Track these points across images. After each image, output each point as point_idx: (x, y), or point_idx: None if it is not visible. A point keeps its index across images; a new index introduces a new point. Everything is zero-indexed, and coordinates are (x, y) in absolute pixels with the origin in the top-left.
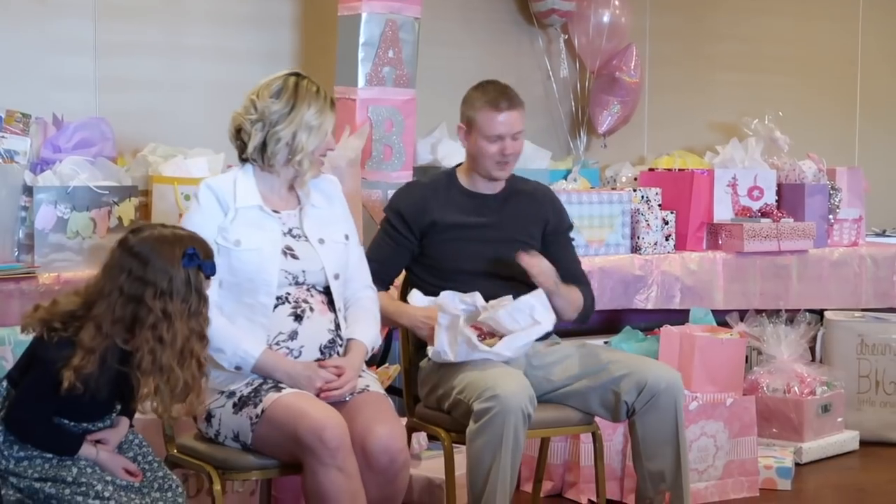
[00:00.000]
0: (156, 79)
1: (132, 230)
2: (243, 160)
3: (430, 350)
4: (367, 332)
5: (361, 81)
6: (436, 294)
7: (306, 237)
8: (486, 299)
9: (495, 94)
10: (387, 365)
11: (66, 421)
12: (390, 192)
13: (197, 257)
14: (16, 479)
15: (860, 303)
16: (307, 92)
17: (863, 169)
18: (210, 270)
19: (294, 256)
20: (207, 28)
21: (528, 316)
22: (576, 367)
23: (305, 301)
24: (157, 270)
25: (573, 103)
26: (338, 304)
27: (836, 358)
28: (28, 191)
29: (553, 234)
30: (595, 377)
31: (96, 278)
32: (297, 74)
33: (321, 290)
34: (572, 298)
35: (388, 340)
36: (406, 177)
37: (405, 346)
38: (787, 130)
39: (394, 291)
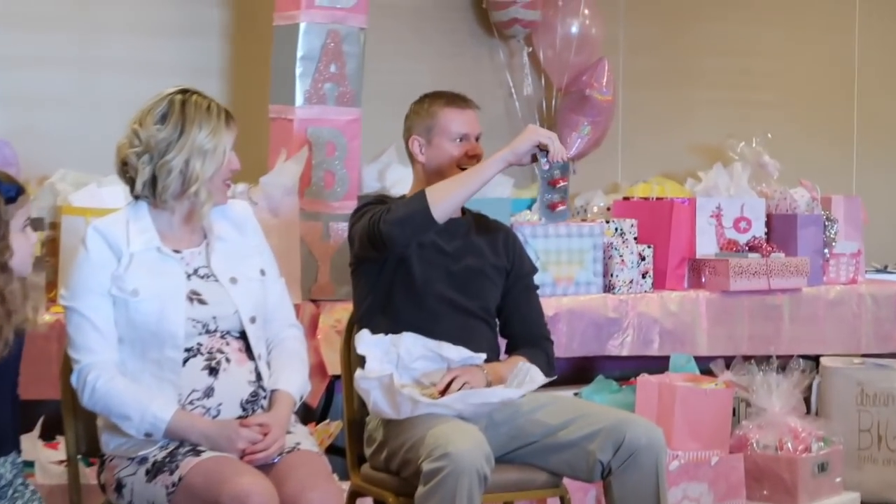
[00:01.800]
0: (66, 96)
1: None
2: (135, 197)
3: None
4: (293, 380)
5: (299, 99)
6: (389, 332)
7: (215, 277)
8: (449, 334)
9: (450, 95)
10: (328, 421)
11: None
12: (332, 225)
13: None
14: None
15: (860, 347)
16: (197, 111)
17: (861, 198)
18: (7, 192)
19: (202, 301)
20: (125, 39)
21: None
22: (543, 421)
23: (220, 351)
24: None
25: (538, 124)
26: (256, 350)
27: (834, 410)
28: None
29: (514, 280)
30: (565, 433)
31: None
32: (183, 91)
33: (237, 336)
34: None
35: (328, 393)
36: (350, 206)
37: (348, 398)
38: (777, 154)
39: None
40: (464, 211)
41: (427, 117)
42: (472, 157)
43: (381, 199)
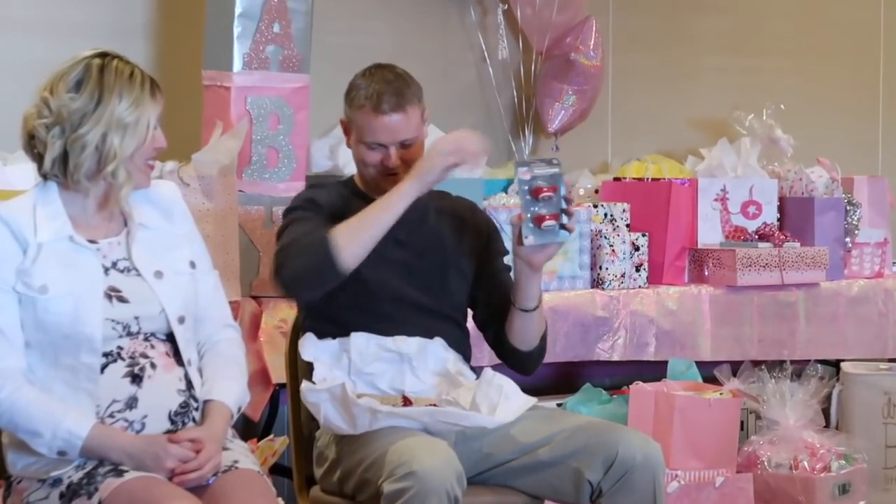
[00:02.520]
0: None
1: None
2: (43, 176)
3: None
4: (229, 389)
5: (237, 64)
6: (338, 336)
7: (137, 271)
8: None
9: (379, 87)
10: (271, 436)
11: None
12: (277, 210)
13: None
14: None
15: (886, 351)
16: (117, 78)
17: (888, 179)
18: None
19: (122, 299)
20: None
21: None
22: (522, 436)
23: (144, 356)
24: None
25: (515, 93)
26: (186, 354)
27: (857, 423)
28: None
29: (489, 263)
30: (548, 449)
31: None
32: (102, 55)
33: (163, 338)
34: (542, 317)
35: (272, 403)
36: (297, 188)
37: (295, 409)
38: (792, 129)
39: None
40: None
41: (350, 105)
42: (387, 169)
43: (315, 198)
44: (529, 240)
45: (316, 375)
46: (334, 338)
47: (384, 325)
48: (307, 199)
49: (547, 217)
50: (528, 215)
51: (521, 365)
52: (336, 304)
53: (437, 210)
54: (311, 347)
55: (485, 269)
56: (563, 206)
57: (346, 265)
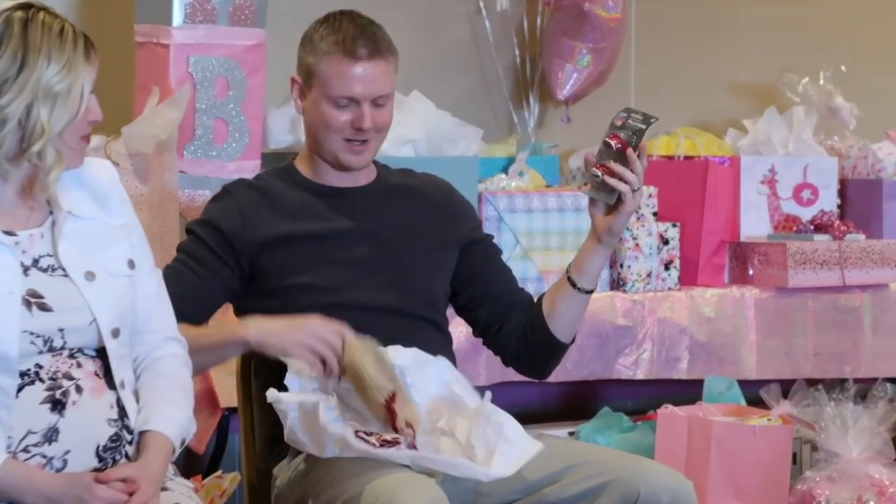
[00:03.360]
0: None
1: None
2: None
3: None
4: (171, 418)
5: (178, 17)
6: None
7: (64, 271)
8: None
9: (352, 31)
10: (219, 473)
11: None
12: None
13: None
14: None
15: None
16: (45, 35)
17: None
18: None
19: (44, 307)
20: None
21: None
22: (528, 472)
23: (68, 377)
24: None
25: (518, 52)
26: (119, 376)
27: None
28: None
29: (471, 245)
30: (557, 488)
31: None
32: (25, 6)
33: (93, 354)
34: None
35: (221, 433)
36: (251, 168)
37: (248, 440)
38: (855, 96)
39: None
40: (377, 166)
41: (310, 54)
42: (359, 130)
43: (205, 230)
44: (587, 188)
45: (289, 378)
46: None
47: (347, 321)
48: (202, 223)
49: (606, 171)
50: (596, 161)
51: (549, 361)
52: (286, 299)
53: (399, 190)
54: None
55: (470, 264)
56: (619, 163)
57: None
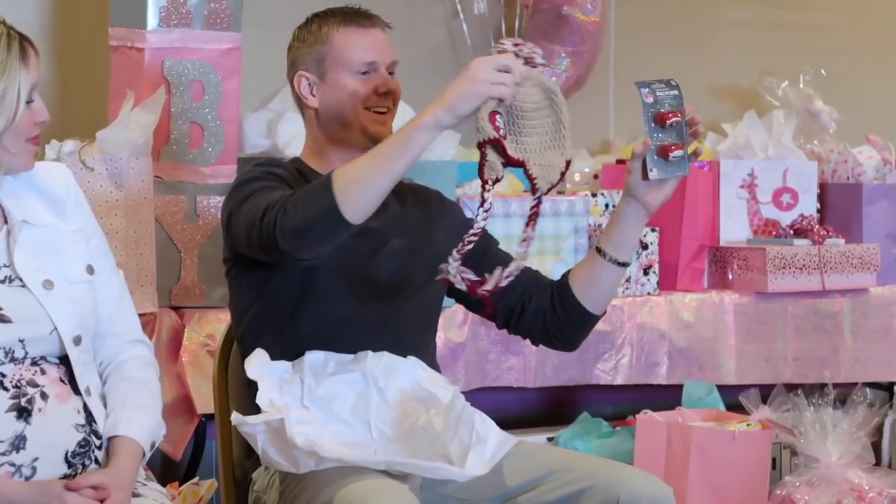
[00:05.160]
0: None
1: None
2: None
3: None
4: (139, 422)
5: (152, 20)
6: (292, 355)
7: (21, 281)
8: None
9: (347, 10)
10: (196, 479)
11: None
12: (202, 200)
13: None
14: None
15: None
16: None
17: None
18: None
19: (2, 319)
20: None
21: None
22: (504, 478)
23: (33, 384)
24: None
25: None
26: (84, 382)
27: None
28: None
29: (484, 250)
30: (537, 494)
31: None
32: None
33: (56, 361)
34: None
35: (198, 439)
36: (227, 173)
37: (225, 446)
38: (835, 99)
39: None
40: None
41: (317, 44)
42: (384, 96)
43: (274, 171)
44: (654, 173)
45: (260, 398)
46: (289, 360)
47: (338, 332)
48: (267, 172)
49: (674, 147)
50: (654, 145)
51: (580, 333)
52: (288, 309)
53: (400, 191)
54: (259, 365)
55: (477, 252)
56: (686, 133)
57: (355, 215)
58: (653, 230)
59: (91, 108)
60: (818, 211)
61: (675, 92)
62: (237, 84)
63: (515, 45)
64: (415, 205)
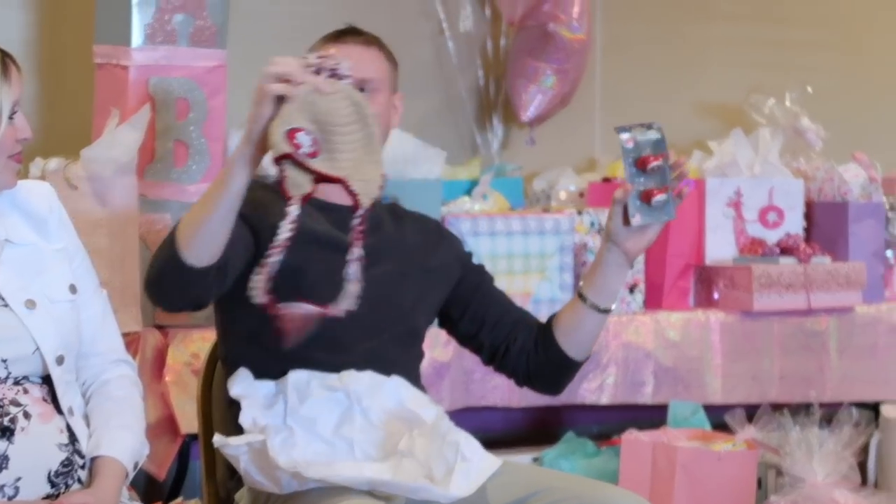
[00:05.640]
0: None
1: None
2: None
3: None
4: (122, 441)
5: (137, 38)
6: (276, 373)
7: (4, 300)
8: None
9: (345, 28)
10: (180, 499)
11: None
12: None
13: None
14: None
15: None
16: None
17: None
18: None
19: None
20: None
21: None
22: (490, 498)
23: (15, 403)
24: None
25: (481, 73)
26: (66, 401)
27: None
28: None
29: (464, 275)
30: None
31: None
32: None
33: (38, 381)
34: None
35: (182, 459)
36: None
37: (209, 467)
38: (821, 117)
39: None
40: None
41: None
42: None
43: None
44: (636, 219)
45: (243, 418)
46: (274, 379)
47: (321, 351)
48: None
49: (656, 191)
50: (636, 190)
51: (563, 379)
52: (272, 327)
53: (393, 217)
54: (243, 384)
55: (469, 287)
56: (669, 176)
57: (196, 258)
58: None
59: (76, 125)
60: (804, 229)
61: (657, 135)
62: (222, 102)
63: (320, 57)
64: (412, 230)
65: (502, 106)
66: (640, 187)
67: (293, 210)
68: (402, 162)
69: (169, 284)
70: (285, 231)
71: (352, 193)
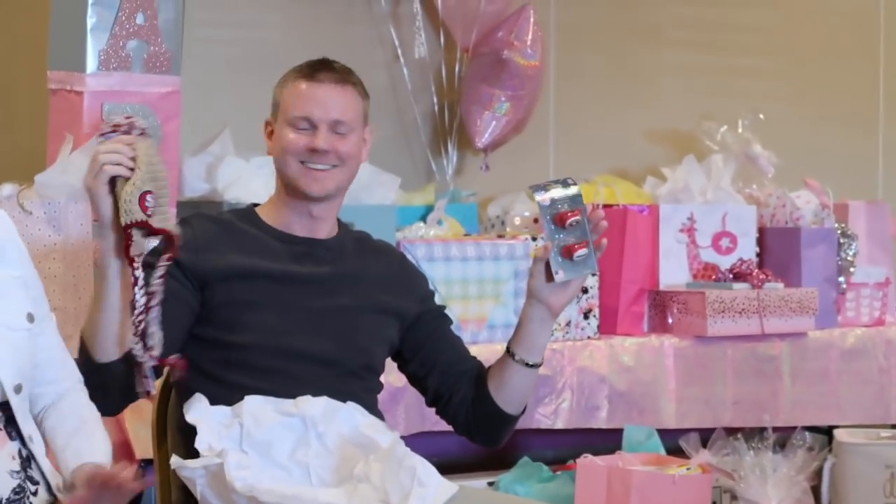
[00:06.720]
0: None
1: None
2: None
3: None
4: (103, 447)
5: (92, 64)
6: (231, 402)
7: None
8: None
9: (317, 63)
10: None
11: None
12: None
13: None
14: None
15: (888, 416)
16: None
17: (890, 204)
18: None
19: None
20: None
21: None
22: None
23: None
24: None
25: (436, 99)
26: (27, 430)
27: (854, 503)
28: None
29: (421, 315)
30: None
31: None
32: None
33: None
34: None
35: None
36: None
37: (164, 493)
38: (773, 144)
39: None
40: (340, 225)
41: (278, 91)
42: (322, 154)
43: (171, 270)
44: (560, 275)
45: (199, 442)
46: (228, 405)
47: (277, 385)
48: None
49: (577, 246)
50: (556, 247)
51: (500, 432)
52: (224, 358)
53: (358, 250)
54: (198, 409)
55: (425, 329)
56: (588, 230)
57: (105, 356)
58: (593, 274)
59: (29, 151)
60: (757, 255)
61: (574, 190)
62: (177, 127)
63: (121, 122)
64: (375, 264)
65: (457, 132)
66: (560, 243)
67: (140, 273)
68: (356, 188)
69: (94, 388)
70: (140, 296)
71: (171, 240)
